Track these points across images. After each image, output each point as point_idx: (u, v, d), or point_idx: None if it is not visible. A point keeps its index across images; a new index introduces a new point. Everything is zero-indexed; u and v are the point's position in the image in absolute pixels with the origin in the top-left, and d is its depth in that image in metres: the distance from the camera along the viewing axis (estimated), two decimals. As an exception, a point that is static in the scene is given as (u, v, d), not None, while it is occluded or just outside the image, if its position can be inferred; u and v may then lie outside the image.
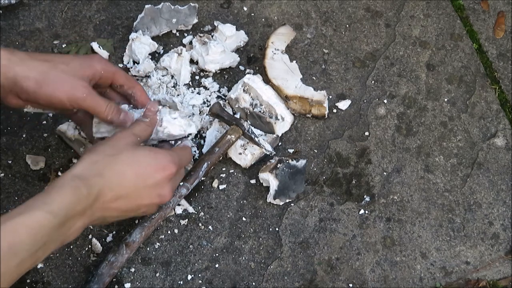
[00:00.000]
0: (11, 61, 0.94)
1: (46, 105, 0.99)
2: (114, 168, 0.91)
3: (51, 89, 0.96)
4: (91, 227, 1.11)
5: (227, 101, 1.22)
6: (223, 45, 1.24)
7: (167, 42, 1.28)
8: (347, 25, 1.34)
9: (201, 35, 1.26)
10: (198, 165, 1.12)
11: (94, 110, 1.00)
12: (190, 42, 1.27)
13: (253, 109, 1.20)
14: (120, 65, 1.24)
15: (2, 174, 1.14)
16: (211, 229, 1.14)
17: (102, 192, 0.89)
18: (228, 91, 1.23)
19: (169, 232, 1.13)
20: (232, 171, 1.18)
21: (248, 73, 1.27)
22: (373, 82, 1.29)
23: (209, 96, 1.23)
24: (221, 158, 1.15)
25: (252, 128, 1.16)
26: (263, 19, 1.33)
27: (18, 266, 0.79)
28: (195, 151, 1.18)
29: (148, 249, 1.11)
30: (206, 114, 1.18)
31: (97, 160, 0.91)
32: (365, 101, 1.27)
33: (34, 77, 0.95)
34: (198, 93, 1.23)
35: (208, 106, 1.21)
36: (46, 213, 0.81)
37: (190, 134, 1.09)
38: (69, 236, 0.86)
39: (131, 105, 1.07)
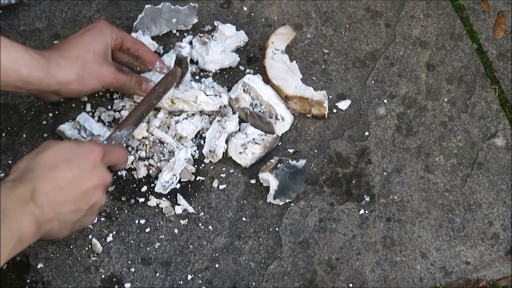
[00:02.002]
0: (50, 69, 1.03)
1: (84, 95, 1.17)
2: (43, 162, 0.90)
3: (91, 84, 1.09)
4: (91, 227, 1.11)
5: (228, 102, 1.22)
6: (223, 45, 1.24)
7: (167, 42, 1.28)
8: (347, 25, 1.34)
9: (201, 35, 1.26)
10: (140, 106, 1.12)
11: (121, 87, 1.14)
12: (190, 42, 1.27)
13: (253, 109, 1.20)
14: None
15: (2, 174, 1.14)
16: (211, 229, 1.14)
17: (38, 184, 0.88)
18: (228, 91, 1.23)
19: (169, 232, 1.13)
20: (232, 171, 1.18)
21: (248, 73, 1.27)
22: (373, 82, 1.29)
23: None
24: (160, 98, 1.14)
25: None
26: (263, 19, 1.33)
27: None
28: (195, 151, 1.18)
29: (148, 249, 1.11)
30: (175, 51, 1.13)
31: (24, 164, 0.91)
32: (365, 101, 1.27)
33: (75, 79, 1.07)
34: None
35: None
36: None
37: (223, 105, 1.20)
38: (25, 232, 0.85)
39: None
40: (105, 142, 1.07)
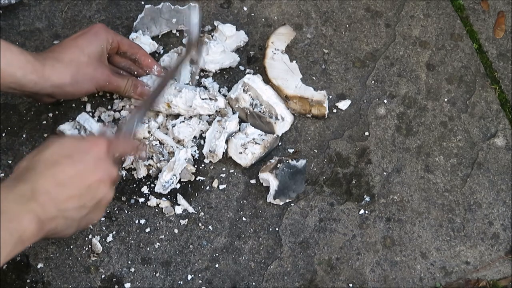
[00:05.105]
0: (44, 72, 1.04)
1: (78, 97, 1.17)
2: (45, 160, 0.88)
3: (85, 87, 1.10)
4: (91, 227, 1.11)
5: (227, 100, 1.22)
6: (223, 45, 1.24)
7: (167, 42, 1.28)
8: (347, 25, 1.34)
9: (201, 35, 1.26)
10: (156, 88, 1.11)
11: (116, 90, 1.15)
12: (190, 42, 1.27)
13: (253, 109, 1.20)
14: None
15: (2, 174, 1.14)
16: (211, 229, 1.14)
17: (39, 182, 0.86)
18: (228, 91, 1.23)
19: (169, 232, 1.13)
20: (232, 171, 1.18)
21: (248, 73, 1.27)
22: (373, 82, 1.29)
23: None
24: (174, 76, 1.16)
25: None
26: (263, 19, 1.33)
27: None
28: (195, 151, 1.18)
29: (148, 249, 1.11)
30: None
31: (25, 163, 0.89)
32: (365, 101, 1.27)
33: (69, 82, 1.07)
34: (198, 93, 1.23)
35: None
36: None
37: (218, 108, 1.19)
38: (25, 231, 0.84)
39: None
40: (114, 131, 1.03)
